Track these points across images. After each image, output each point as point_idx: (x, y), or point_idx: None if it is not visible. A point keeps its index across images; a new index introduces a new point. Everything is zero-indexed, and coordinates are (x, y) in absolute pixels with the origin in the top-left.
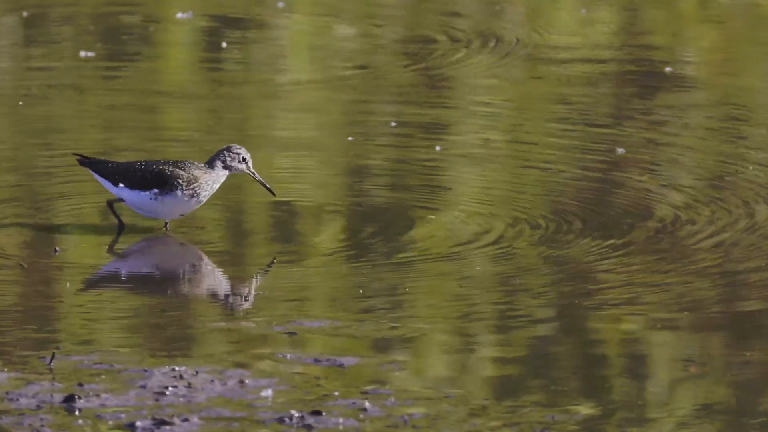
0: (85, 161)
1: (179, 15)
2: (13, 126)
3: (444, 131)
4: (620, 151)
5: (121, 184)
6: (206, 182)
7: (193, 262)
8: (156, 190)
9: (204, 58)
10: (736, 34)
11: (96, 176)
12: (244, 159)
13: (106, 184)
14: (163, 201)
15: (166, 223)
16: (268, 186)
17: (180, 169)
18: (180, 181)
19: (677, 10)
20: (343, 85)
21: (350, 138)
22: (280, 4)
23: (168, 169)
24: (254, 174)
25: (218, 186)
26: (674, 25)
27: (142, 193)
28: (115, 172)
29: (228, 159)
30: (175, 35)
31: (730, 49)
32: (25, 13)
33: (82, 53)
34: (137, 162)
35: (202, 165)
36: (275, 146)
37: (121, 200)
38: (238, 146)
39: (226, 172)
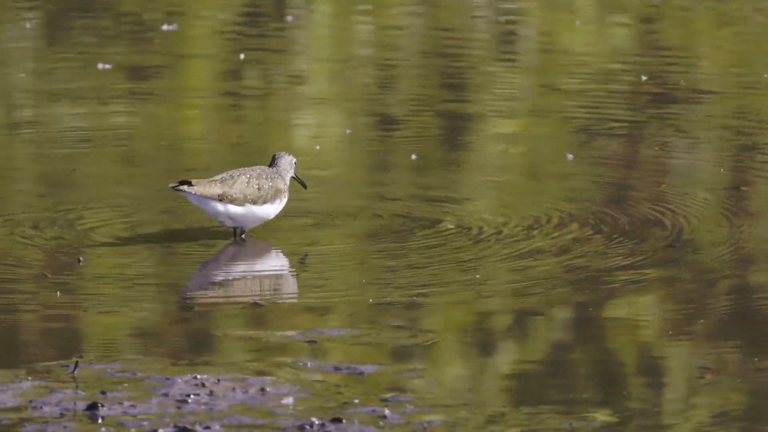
0: (182, 186)
1: (165, 27)
2: (37, 135)
3: (459, 140)
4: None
5: (247, 204)
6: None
7: (215, 272)
8: (278, 200)
9: (223, 69)
10: (751, 46)
11: (197, 200)
12: (294, 163)
13: (209, 205)
14: (278, 210)
15: (242, 232)
16: (301, 180)
17: (279, 177)
18: (282, 188)
19: (693, 22)
20: (361, 91)
21: (348, 131)
22: (290, 18)
23: (280, 181)
24: (297, 177)
25: None
26: (690, 36)
27: (266, 206)
28: (230, 194)
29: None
30: (193, 46)
31: (745, 61)
32: (28, 24)
33: (100, 65)
34: (236, 176)
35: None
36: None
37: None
38: (285, 153)
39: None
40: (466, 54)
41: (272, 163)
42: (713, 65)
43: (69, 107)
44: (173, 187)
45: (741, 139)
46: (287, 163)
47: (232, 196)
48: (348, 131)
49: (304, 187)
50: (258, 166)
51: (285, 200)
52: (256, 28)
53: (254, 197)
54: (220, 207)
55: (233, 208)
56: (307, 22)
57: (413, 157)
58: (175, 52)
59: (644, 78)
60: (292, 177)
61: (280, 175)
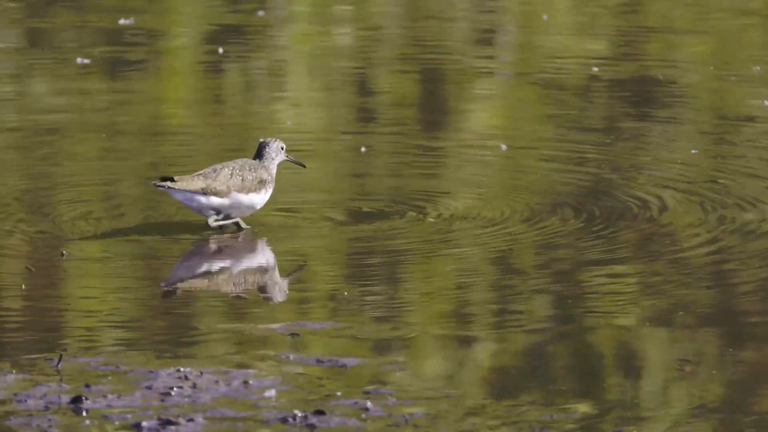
0: (164, 182)
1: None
2: (19, 131)
3: (440, 134)
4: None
5: (233, 193)
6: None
7: (198, 266)
8: (263, 190)
9: (202, 62)
10: (726, 40)
11: (181, 195)
12: (282, 148)
13: (194, 199)
14: (264, 200)
15: (237, 223)
16: (297, 161)
17: (263, 168)
18: (266, 179)
19: (669, 17)
20: (340, 86)
21: (363, 147)
22: (260, 13)
23: (263, 172)
24: (291, 158)
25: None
26: (666, 31)
27: (251, 195)
28: (211, 186)
29: (273, 153)
30: (170, 41)
31: (721, 54)
32: None
33: (79, 60)
34: (219, 169)
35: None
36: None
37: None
38: (273, 139)
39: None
40: (444, 47)
41: (259, 152)
42: (691, 57)
43: (50, 99)
44: (156, 185)
45: (719, 131)
46: (275, 150)
47: (215, 188)
48: (288, 123)
49: (303, 166)
50: (241, 159)
51: (270, 190)
52: (234, 20)
53: (238, 188)
54: (204, 200)
55: (218, 200)
56: (284, 15)
57: (362, 149)
58: (151, 46)
59: (595, 69)
60: (286, 160)
61: (264, 166)
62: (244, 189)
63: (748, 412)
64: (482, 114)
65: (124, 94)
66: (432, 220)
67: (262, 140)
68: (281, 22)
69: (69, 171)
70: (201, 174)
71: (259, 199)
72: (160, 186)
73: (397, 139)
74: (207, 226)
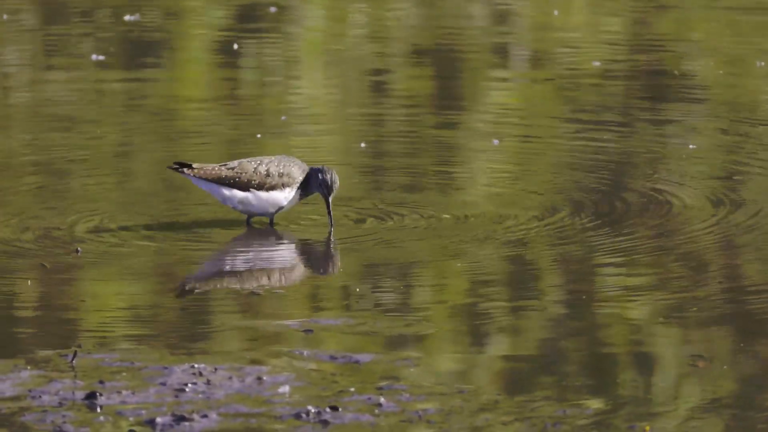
0: (181, 167)
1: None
2: (34, 127)
3: (454, 129)
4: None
5: (251, 189)
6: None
7: (212, 262)
8: (289, 188)
9: (217, 59)
10: (742, 34)
11: (201, 183)
12: (328, 185)
13: (214, 189)
14: (290, 199)
15: (270, 221)
16: (331, 219)
17: (296, 165)
18: (298, 178)
19: (685, 11)
20: (354, 85)
21: (363, 145)
22: (272, 9)
23: (296, 170)
24: (328, 205)
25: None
26: (682, 25)
27: (274, 193)
28: (234, 178)
29: (313, 177)
30: (185, 37)
31: (738, 50)
32: (5, 16)
33: (94, 56)
34: (245, 162)
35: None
36: (290, 144)
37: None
38: (329, 170)
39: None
40: (459, 44)
41: (311, 174)
42: (706, 54)
43: (66, 96)
44: (174, 169)
45: (733, 127)
46: (320, 180)
47: (234, 180)
48: (283, 118)
49: (330, 223)
50: (277, 156)
51: (295, 191)
52: (246, 17)
53: (260, 182)
54: (225, 191)
55: (239, 193)
56: (297, 11)
57: (362, 145)
58: (166, 44)
59: (596, 63)
60: (325, 201)
61: (300, 164)
62: (266, 185)
63: (761, 408)
64: (494, 109)
65: (140, 90)
66: (446, 216)
67: (322, 166)
68: (295, 12)
69: (86, 166)
70: (225, 164)
71: (283, 196)
72: (179, 171)
73: (411, 133)
74: (223, 224)
